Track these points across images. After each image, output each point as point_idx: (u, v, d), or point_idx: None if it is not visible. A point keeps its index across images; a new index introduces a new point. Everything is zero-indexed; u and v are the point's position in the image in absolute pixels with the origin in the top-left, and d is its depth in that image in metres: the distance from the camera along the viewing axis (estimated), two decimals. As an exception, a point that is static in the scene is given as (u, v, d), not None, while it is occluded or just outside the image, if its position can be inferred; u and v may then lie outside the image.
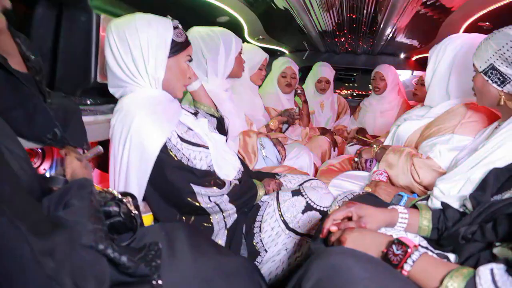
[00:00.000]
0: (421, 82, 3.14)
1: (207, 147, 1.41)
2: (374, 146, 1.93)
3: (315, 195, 1.46)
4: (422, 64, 4.20)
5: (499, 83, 1.19)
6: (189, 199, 1.29)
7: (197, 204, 1.31)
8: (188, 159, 1.32)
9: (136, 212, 0.91)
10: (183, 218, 1.37)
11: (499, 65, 1.17)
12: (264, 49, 2.71)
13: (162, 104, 1.36)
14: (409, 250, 0.78)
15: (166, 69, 1.37)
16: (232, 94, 2.22)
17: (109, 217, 0.87)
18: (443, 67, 1.72)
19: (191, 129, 1.41)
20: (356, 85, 5.51)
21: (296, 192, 1.48)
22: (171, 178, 1.27)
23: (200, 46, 2.00)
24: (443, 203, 1.09)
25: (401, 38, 3.57)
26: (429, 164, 1.58)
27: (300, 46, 4.30)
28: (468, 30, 2.46)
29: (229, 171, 1.48)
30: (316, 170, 2.48)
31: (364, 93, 5.10)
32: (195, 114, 1.56)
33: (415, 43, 3.68)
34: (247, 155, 2.02)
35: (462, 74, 1.65)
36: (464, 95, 1.68)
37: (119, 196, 0.92)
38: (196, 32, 2.02)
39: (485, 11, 2.22)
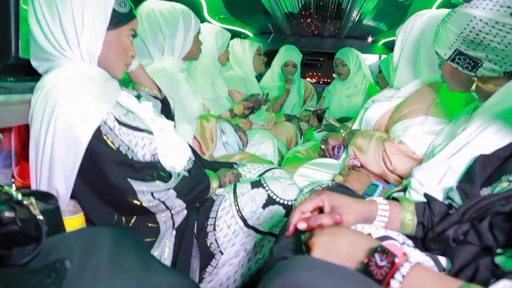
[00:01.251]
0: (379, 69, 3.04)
1: (151, 133, 1.19)
2: (342, 131, 1.76)
3: (278, 186, 1.28)
4: (390, 48, 4.10)
5: (470, 68, 1.04)
6: (128, 198, 1.08)
7: (138, 203, 1.09)
8: (128, 147, 1.10)
9: (42, 217, 0.69)
10: (123, 218, 1.15)
11: (465, 49, 1.02)
12: (226, 30, 2.50)
13: (96, 82, 1.12)
14: (396, 261, 0.59)
15: (104, 44, 1.13)
16: (188, 76, 1.99)
17: (1, 225, 0.65)
18: (410, 45, 1.62)
19: (132, 112, 1.19)
20: (322, 71, 5.40)
21: (256, 184, 1.29)
22: (106, 171, 1.04)
23: (159, 21, 1.77)
24: (426, 195, 0.93)
25: (368, 21, 3.44)
26: (403, 149, 1.44)
27: (265, 29, 4.10)
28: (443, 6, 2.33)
29: (177, 161, 1.27)
30: (282, 158, 2.31)
31: (329, 80, 4.98)
32: (138, 97, 1.34)
33: (382, 26, 3.56)
34: (204, 141, 1.82)
35: (430, 51, 1.52)
36: (434, 73, 1.55)
37: (18, 198, 0.69)
38: (155, 6, 1.79)
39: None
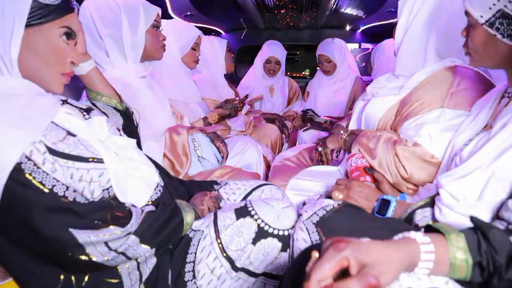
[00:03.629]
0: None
1: (100, 161, 0.91)
2: (342, 132, 1.51)
3: (268, 212, 1.01)
4: (370, 36, 3.89)
5: (514, 35, 0.81)
6: (71, 253, 0.79)
7: (86, 258, 0.81)
8: (67, 186, 0.81)
9: None
10: (72, 278, 0.87)
11: (512, 10, 0.79)
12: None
13: (16, 100, 0.84)
14: None
15: (24, 46, 0.85)
16: (152, 81, 1.70)
17: None
18: (420, 23, 1.33)
19: (73, 135, 0.90)
20: (300, 66, 5.18)
21: (242, 211, 1.02)
22: (36, 223, 0.76)
23: (93, 20, 1.46)
24: (475, 219, 0.68)
25: (345, 9, 3.21)
26: (418, 153, 1.19)
27: (236, 24, 3.83)
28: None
29: (140, 192, 0.99)
30: (268, 166, 2.04)
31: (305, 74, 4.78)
32: (88, 110, 1.05)
33: (360, 12, 3.34)
34: (177, 158, 1.54)
35: (449, 31, 1.27)
36: (448, 56, 1.31)
37: None
38: (89, 2, 1.47)
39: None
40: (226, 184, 1.29)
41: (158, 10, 1.60)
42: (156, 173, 1.10)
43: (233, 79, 2.95)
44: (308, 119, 3.10)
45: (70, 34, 0.92)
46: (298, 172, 1.48)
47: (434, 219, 0.92)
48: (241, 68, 4.07)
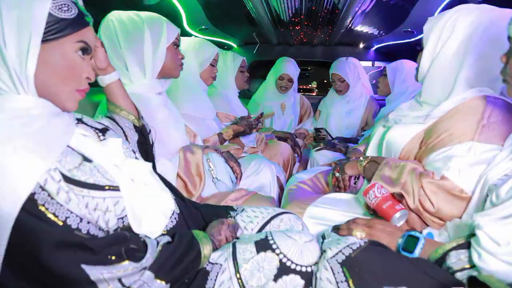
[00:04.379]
0: (384, 73, 2.77)
1: (116, 188, 0.86)
2: (361, 158, 1.45)
3: (291, 246, 0.96)
4: (383, 54, 3.85)
5: None
6: (83, 290, 0.74)
7: (99, 295, 0.75)
8: (81, 218, 0.76)
9: None
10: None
11: None
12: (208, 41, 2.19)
13: (33, 123, 0.79)
14: None
15: (40, 63, 0.80)
16: (168, 99, 1.66)
17: None
18: (451, 51, 1.27)
19: (89, 160, 0.85)
20: (310, 81, 5.15)
21: (263, 244, 0.97)
22: (47, 259, 0.70)
23: (117, 34, 1.43)
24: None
25: (361, 27, 3.17)
26: (447, 187, 1.13)
27: (249, 38, 3.80)
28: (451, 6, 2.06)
29: (156, 222, 0.94)
30: (281, 186, 1.99)
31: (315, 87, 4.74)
32: (103, 131, 1.01)
33: (375, 31, 3.30)
34: (191, 179, 1.49)
35: (481, 59, 1.22)
36: (478, 86, 1.25)
37: None
38: (113, 16, 1.45)
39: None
40: (242, 210, 1.23)
41: (178, 30, 1.60)
42: (172, 199, 1.05)
43: (245, 94, 2.90)
44: (321, 138, 3.05)
45: (85, 49, 0.88)
46: (315, 199, 1.42)
47: (471, 263, 0.85)
48: (253, 82, 4.04)
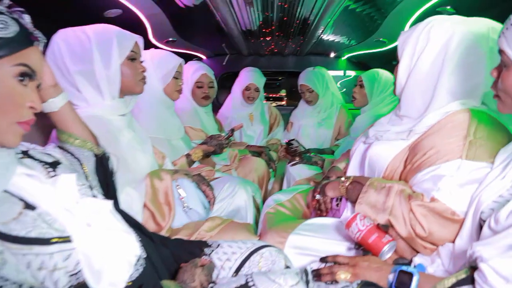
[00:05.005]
0: (359, 83, 2.64)
1: (67, 239, 0.72)
2: (343, 179, 1.36)
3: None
4: (354, 63, 3.83)
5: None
6: None
7: None
8: (20, 286, 0.62)
9: None
10: None
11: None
12: (176, 54, 2.04)
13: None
14: None
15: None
16: (133, 119, 1.52)
17: None
18: (427, 61, 1.22)
19: (32, 207, 0.71)
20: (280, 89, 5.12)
21: (243, 291, 0.85)
22: None
23: (62, 56, 1.26)
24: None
25: (333, 36, 3.13)
26: (438, 209, 1.06)
27: (219, 50, 3.69)
28: (422, 17, 2.02)
29: (118, 273, 0.80)
30: (257, 207, 1.87)
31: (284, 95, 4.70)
32: (54, 165, 0.86)
33: (347, 41, 3.26)
34: (159, 209, 1.35)
35: (461, 68, 1.17)
36: (460, 95, 1.19)
37: None
38: (59, 37, 1.28)
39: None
40: (218, 246, 1.11)
41: (138, 39, 1.43)
42: (137, 241, 0.91)
43: (214, 106, 2.78)
44: (292, 151, 2.96)
45: (27, 74, 0.75)
46: (296, 226, 1.31)
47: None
48: (223, 94, 3.93)
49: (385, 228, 1.12)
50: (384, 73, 2.52)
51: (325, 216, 1.43)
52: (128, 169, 1.34)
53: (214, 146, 2.00)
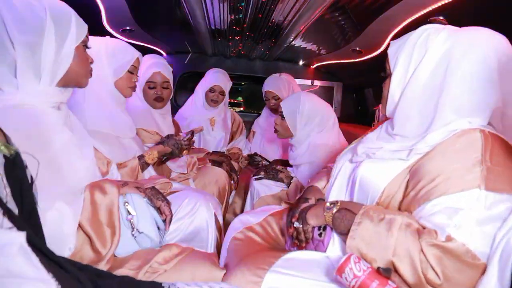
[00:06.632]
0: (281, 115, 2.16)
1: None
2: (328, 205, 1.13)
3: None
4: (323, 73, 3.67)
5: None
6: None
7: None
8: None
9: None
10: None
11: None
12: (133, 46, 1.74)
13: None
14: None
15: None
16: (71, 115, 1.21)
17: None
18: (427, 72, 1.05)
19: None
20: (243, 96, 4.93)
21: None
22: None
23: (2, 17, 0.98)
24: None
25: (305, 43, 2.95)
26: (455, 251, 0.85)
27: (181, 47, 3.40)
28: (411, 27, 1.87)
29: None
30: (219, 227, 1.60)
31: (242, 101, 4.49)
32: None
33: (320, 49, 3.10)
34: (98, 232, 1.04)
35: (467, 81, 1.00)
36: (468, 112, 1.01)
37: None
38: None
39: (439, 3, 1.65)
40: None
41: (86, 26, 1.19)
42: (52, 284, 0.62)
43: (172, 107, 2.47)
44: (255, 164, 2.75)
45: None
46: (273, 261, 1.06)
47: None
48: (182, 95, 3.63)
49: (386, 273, 0.90)
50: (308, 100, 2.11)
51: (305, 247, 1.20)
52: (61, 178, 1.04)
53: (171, 146, 1.71)
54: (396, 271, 0.92)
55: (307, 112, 2.07)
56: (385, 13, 1.88)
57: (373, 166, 1.15)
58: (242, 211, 2.34)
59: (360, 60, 2.77)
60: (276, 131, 2.21)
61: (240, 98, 5.08)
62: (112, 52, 1.58)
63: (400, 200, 1.06)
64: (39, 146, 1.00)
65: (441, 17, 1.73)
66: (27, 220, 0.80)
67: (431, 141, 1.03)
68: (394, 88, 1.12)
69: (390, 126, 1.17)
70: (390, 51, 1.16)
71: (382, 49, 2.34)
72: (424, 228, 0.93)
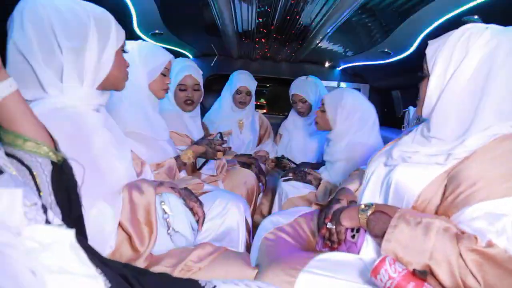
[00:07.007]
0: (322, 108, 2.20)
1: None
2: (363, 206, 1.13)
3: None
4: (349, 75, 3.65)
5: None
6: None
7: None
8: None
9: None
10: None
11: None
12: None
13: None
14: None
15: None
16: (109, 117, 1.25)
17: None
18: (468, 73, 1.03)
19: None
20: (267, 98, 4.93)
21: None
22: None
23: (52, 25, 1.02)
24: None
25: (332, 45, 2.94)
26: (497, 258, 0.84)
27: (207, 50, 3.44)
28: (444, 27, 1.83)
29: None
30: (248, 228, 1.61)
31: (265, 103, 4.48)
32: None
33: (347, 50, 3.09)
34: (137, 230, 1.08)
35: (510, 85, 0.97)
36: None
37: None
38: (45, 3, 1.03)
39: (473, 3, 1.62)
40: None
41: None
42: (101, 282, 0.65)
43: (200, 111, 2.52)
44: (282, 167, 2.77)
45: None
46: (306, 261, 1.07)
47: None
48: (209, 98, 3.67)
49: (422, 275, 0.89)
50: (350, 95, 2.15)
51: (336, 248, 1.20)
52: (102, 178, 1.08)
53: (205, 146, 1.74)
54: (433, 274, 0.91)
55: (348, 106, 2.09)
56: (415, 14, 1.86)
57: (409, 171, 1.13)
58: (269, 213, 2.35)
59: (387, 61, 2.74)
60: (316, 123, 2.25)
61: (262, 100, 5.08)
62: (145, 56, 1.63)
63: (437, 205, 1.05)
64: (82, 147, 1.04)
65: (475, 16, 1.70)
66: (74, 223, 0.83)
67: (470, 146, 1.01)
68: (432, 89, 1.10)
69: (426, 128, 1.15)
70: (428, 51, 1.13)
71: (411, 50, 2.31)
72: (463, 233, 0.92)
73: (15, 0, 1.04)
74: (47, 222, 0.62)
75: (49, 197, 0.76)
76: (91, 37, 1.07)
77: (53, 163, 0.81)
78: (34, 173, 0.74)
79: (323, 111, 2.16)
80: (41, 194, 0.72)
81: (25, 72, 1.02)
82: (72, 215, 0.79)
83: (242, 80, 2.84)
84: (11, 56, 1.01)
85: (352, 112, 2.08)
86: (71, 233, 0.61)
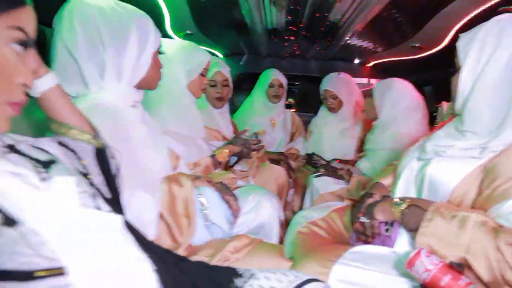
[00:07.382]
0: (370, 93, 2.31)
1: (61, 271, 0.50)
2: (397, 200, 1.13)
3: None
4: (380, 71, 3.60)
5: None
6: None
7: None
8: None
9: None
10: None
11: None
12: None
13: None
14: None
15: None
16: (145, 113, 1.31)
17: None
18: (501, 65, 1.01)
19: (14, 222, 0.49)
20: (297, 97, 4.91)
21: None
22: None
23: (97, 25, 1.08)
24: None
25: (361, 41, 2.92)
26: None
27: (236, 49, 3.48)
28: (477, 20, 1.79)
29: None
30: (281, 223, 1.63)
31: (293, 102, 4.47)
32: (47, 164, 0.64)
33: (376, 46, 3.05)
34: (176, 221, 1.12)
35: None
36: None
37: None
38: (92, 1, 1.10)
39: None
40: (252, 276, 0.88)
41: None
42: (151, 271, 0.69)
43: (230, 109, 2.57)
44: (313, 164, 2.77)
45: (24, 42, 0.54)
46: (340, 253, 1.08)
47: None
48: (239, 96, 3.72)
49: (458, 268, 0.89)
50: (399, 84, 2.19)
51: (370, 242, 1.21)
52: (140, 169, 1.13)
53: (240, 146, 1.78)
54: (470, 268, 0.90)
55: (396, 93, 2.13)
56: (447, 7, 1.82)
57: (444, 165, 1.13)
58: (300, 209, 2.37)
59: (419, 57, 2.69)
60: (364, 110, 2.36)
61: (290, 100, 5.07)
62: (185, 56, 1.67)
63: (473, 199, 1.04)
64: (121, 139, 1.09)
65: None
66: (115, 209, 0.87)
67: (506, 140, 1.00)
68: (464, 82, 1.09)
69: (460, 122, 1.14)
70: (459, 44, 1.12)
71: (444, 43, 2.26)
72: (501, 227, 0.91)
73: (58, 5, 1.11)
74: (97, 208, 0.67)
75: (98, 177, 0.81)
76: (132, 37, 1.12)
77: (96, 148, 0.87)
78: (83, 162, 0.79)
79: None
80: (89, 177, 0.77)
81: (69, 68, 1.09)
82: (113, 202, 0.84)
83: (274, 73, 2.90)
84: (57, 53, 1.08)
85: (399, 99, 2.12)
86: (119, 218, 0.66)
